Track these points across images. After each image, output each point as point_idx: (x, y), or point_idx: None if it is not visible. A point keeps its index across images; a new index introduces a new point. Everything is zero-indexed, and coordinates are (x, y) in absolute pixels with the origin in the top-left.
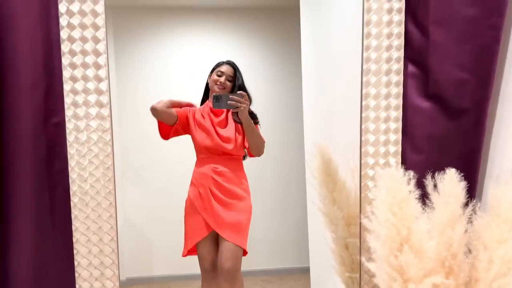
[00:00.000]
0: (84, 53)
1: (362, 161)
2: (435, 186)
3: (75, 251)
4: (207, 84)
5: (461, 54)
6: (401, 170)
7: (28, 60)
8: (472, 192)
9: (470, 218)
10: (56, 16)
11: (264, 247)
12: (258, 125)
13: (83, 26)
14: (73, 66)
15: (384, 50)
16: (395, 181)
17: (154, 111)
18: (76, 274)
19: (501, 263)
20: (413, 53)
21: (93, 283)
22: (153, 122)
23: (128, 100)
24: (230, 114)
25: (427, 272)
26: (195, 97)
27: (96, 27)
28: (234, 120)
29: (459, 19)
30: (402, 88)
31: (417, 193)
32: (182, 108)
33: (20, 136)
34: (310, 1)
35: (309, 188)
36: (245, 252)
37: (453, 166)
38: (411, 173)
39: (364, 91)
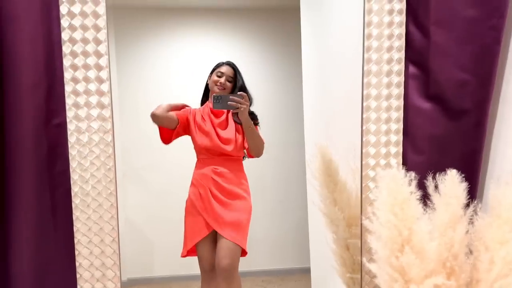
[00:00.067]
0: (85, 54)
1: (363, 162)
2: (436, 187)
3: (76, 252)
4: (206, 84)
5: (462, 55)
6: (402, 171)
7: (29, 62)
8: (473, 193)
9: (471, 219)
10: (57, 17)
11: (264, 247)
12: (257, 126)
13: (84, 28)
14: (74, 67)
15: (385, 51)
16: (396, 182)
17: (155, 117)
18: (78, 275)
19: (502, 264)
20: (414, 54)
21: (94, 284)
22: (153, 123)
23: (129, 101)
24: (230, 114)
25: (428, 273)
26: (196, 98)
27: (97, 29)
28: (234, 121)
29: (460, 20)
30: (403, 89)
31: (418, 194)
32: (182, 110)
33: (21, 137)
34: (310, 1)
35: (309, 188)
36: (245, 253)
37: (454, 167)
38: (412, 174)
39: (365, 92)
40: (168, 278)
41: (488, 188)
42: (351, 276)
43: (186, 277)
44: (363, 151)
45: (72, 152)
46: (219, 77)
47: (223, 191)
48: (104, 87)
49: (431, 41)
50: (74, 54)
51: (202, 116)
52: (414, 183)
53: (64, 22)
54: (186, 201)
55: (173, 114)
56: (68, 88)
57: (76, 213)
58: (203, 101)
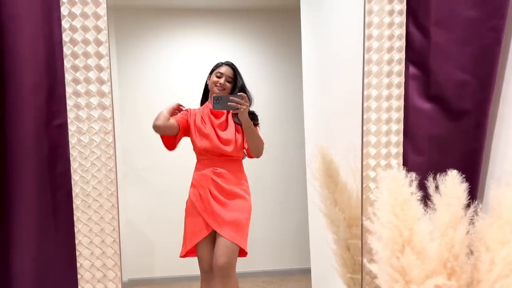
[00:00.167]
0: (86, 55)
1: (364, 163)
2: (436, 187)
3: (77, 253)
4: (206, 85)
5: (462, 56)
6: (403, 171)
7: (30, 62)
8: (473, 193)
9: (471, 219)
10: (58, 18)
11: (264, 248)
12: (257, 127)
13: (85, 29)
14: (75, 68)
15: (385, 51)
16: (397, 183)
17: (157, 128)
18: (79, 276)
19: (503, 264)
20: (414, 55)
21: (95, 284)
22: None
23: (130, 102)
24: (230, 115)
25: (429, 273)
26: (197, 98)
27: (98, 30)
28: (234, 122)
29: (460, 21)
30: (403, 90)
31: (419, 194)
32: (180, 114)
33: (22, 137)
34: (310, 2)
35: (310, 189)
36: (245, 253)
37: (454, 168)
38: (413, 174)
39: (365, 92)
40: (169, 278)
41: (488, 188)
42: (352, 277)
43: (187, 277)
44: (364, 151)
45: (73, 153)
46: (219, 77)
47: (223, 191)
48: (105, 88)
49: (432, 42)
50: (75, 55)
51: (202, 117)
52: (415, 183)
53: (65, 23)
54: (186, 201)
55: (174, 121)
56: (69, 89)
57: (77, 214)
58: (202, 102)
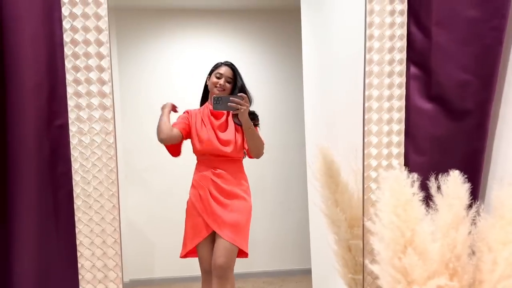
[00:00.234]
0: (87, 56)
1: (365, 163)
2: (438, 187)
3: (78, 253)
4: (205, 85)
5: (463, 56)
6: (405, 172)
7: (31, 63)
8: (475, 193)
9: (473, 219)
10: (59, 19)
11: (265, 248)
12: (258, 127)
13: (86, 29)
14: (76, 69)
15: (386, 52)
16: (399, 183)
17: (163, 141)
18: (80, 276)
19: (506, 265)
20: (416, 55)
21: (96, 285)
22: (155, 124)
23: (130, 102)
24: (230, 116)
25: (431, 274)
26: (197, 99)
27: (99, 30)
28: (234, 122)
29: (462, 21)
30: (404, 90)
31: (421, 195)
32: (181, 118)
33: (23, 138)
34: (311, 2)
35: (310, 189)
36: (246, 254)
37: (456, 168)
38: (415, 175)
39: (366, 93)
40: (169, 279)
41: (490, 188)
42: (353, 277)
43: (187, 278)
44: (365, 152)
45: (74, 153)
46: (218, 78)
47: (223, 192)
48: (106, 88)
49: (433, 42)
50: (76, 56)
51: (202, 118)
52: (417, 184)
53: (66, 24)
54: (187, 202)
55: (177, 131)
56: (70, 89)
57: (78, 215)
58: (202, 102)
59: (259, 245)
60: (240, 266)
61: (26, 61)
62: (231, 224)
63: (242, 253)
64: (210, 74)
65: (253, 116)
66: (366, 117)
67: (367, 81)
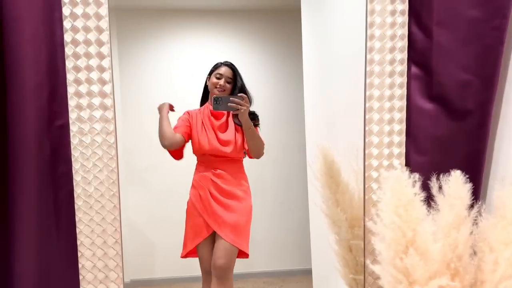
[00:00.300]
0: (88, 56)
1: (366, 163)
2: (440, 188)
3: (79, 254)
4: (205, 86)
5: (464, 56)
6: (406, 172)
7: (32, 63)
8: (476, 193)
9: (475, 220)
10: (60, 19)
11: (265, 249)
12: (258, 127)
13: (86, 29)
14: (77, 69)
15: (387, 52)
16: (400, 183)
17: (167, 148)
18: (81, 277)
19: (507, 265)
20: (417, 55)
21: (97, 285)
22: (155, 124)
23: (131, 102)
24: (230, 116)
25: (433, 274)
26: (198, 99)
27: (99, 30)
28: (234, 122)
29: (463, 21)
30: (405, 90)
31: (422, 195)
32: (182, 121)
33: (24, 138)
34: (311, 2)
35: (311, 189)
36: (246, 255)
37: (457, 168)
38: (416, 175)
39: (367, 93)
40: (169, 279)
41: (492, 189)
42: (354, 278)
43: (188, 278)
44: (366, 152)
45: (75, 153)
46: (218, 79)
47: (223, 192)
48: (107, 88)
49: (434, 42)
50: (76, 56)
51: (202, 119)
52: (418, 184)
53: (67, 24)
54: (187, 202)
55: (179, 135)
56: (70, 89)
57: (78, 215)
58: (202, 103)
59: (259, 245)
60: (240, 266)
61: (26, 61)
62: (231, 225)
63: (242, 254)
64: (210, 74)
65: (253, 116)
66: (367, 117)
67: (368, 81)
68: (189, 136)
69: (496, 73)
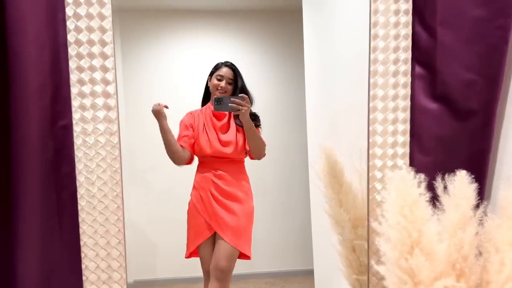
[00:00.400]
0: (91, 56)
1: (370, 163)
2: (445, 187)
3: (82, 254)
4: (207, 87)
5: (469, 55)
6: (411, 172)
7: (35, 63)
8: (481, 193)
9: (481, 220)
10: (63, 19)
11: (267, 249)
12: (259, 128)
13: (90, 29)
14: (80, 69)
15: (391, 51)
16: (405, 184)
17: (179, 165)
18: (84, 278)
19: None
20: (421, 54)
21: (100, 286)
22: (157, 126)
23: (132, 102)
24: (232, 117)
25: (438, 275)
26: (200, 99)
27: (103, 30)
28: (236, 123)
29: (467, 20)
30: (409, 90)
31: (427, 195)
32: (186, 130)
33: (27, 138)
34: (312, 2)
35: (312, 189)
36: (248, 256)
37: (462, 168)
38: (421, 175)
39: (371, 92)
40: (171, 280)
41: (497, 188)
42: (358, 278)
43: (189, 279)
44: (370, 152)
45: (78, 154)
46: (219, 80)
47: (224, 193)
48: (110, 89)
49: (438, 41)
50: (80, 56)
51: (204, 120)
52: (424, 184)
53: (70, 24)
54: (188, 203)
55: (188, 152)
56: (74, 90)
57: (82, 215)
58: (203, 103)
59: (261, 246)
60: (242, 267)
61: (30, 62)
62: (233, 227)
63: (244, 255)
64: (210, 75)
65: (254, 117)
66: (371, 117)
67: (372, 80)
68: (192, 146)
69: (501, 72)
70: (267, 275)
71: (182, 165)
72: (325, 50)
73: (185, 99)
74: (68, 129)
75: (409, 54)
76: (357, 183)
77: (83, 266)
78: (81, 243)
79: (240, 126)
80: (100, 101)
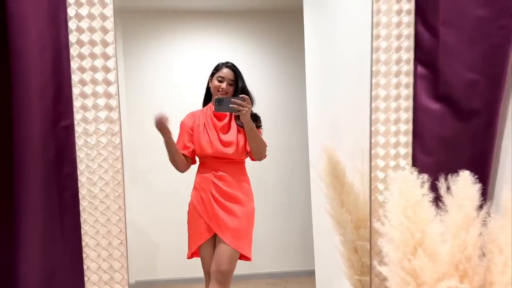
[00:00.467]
0: (93, 56)
1: (372, 163)
2: (448, 188)
3: (84, 255)
4: (208, 87)
5: (471, 55)
6: (414, 173)
7: (37, 63)
8: (484, 194)
9: (484, 220)
10: (65, 20)
11: (268, 250)
12: (260, 129)
13: (92, 30)
14: (82, 69)
15: (393, 51)
16: (408, 184)
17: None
18: (86, 278)
19: None
20: (423, 55)
21: (102, 286)
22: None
23: (133, 103)
24: (233, 117)
25: (441, 276)
26: (201, 99)
27: (105, 31)
28: (237, 124)
29: (469, 20)
30: (412, 90)
31: (430, 196)
32: (184, 136)
33: (29, 138)
34: (313, 3)
35: (314, 190)
36: (248, 258)
37: (464, 168)
38: (424, 176)
39: (373, 93)
40: (172, 280)
41: (500, 189)
42: (360, 279)
43: (190, 279)
44: (372, 152)
45: (80, 154)
46: (220, 82)
47: (224, 194)
48: (112, 89)
49: (440, 41)
50: (81, 56)
51: (205, 120)
52: (427, 185)
53: (72, 25)
54: (189, 204)
55: (190, 160)
56: (75, 90)
57: (83, 216)
58: (205, 103)
59: (262, 247)
60: (243, 267)
61: (32, 62)
62: (234, 229)
63: (245, 256)
64: (211, 76)
65: (255, 118)
66: (373, 117)
67: (374, 80)
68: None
69: (504, 72)
70: (268, 275)
71: (185, 171)
72: (326, 50)
73: (185, 99)
74: (70, 129)
75: (411, 54)
76: (359, 183)
77: (84, 267)
78: (83, 243)
79: (241, 127)
80: (101, 101)
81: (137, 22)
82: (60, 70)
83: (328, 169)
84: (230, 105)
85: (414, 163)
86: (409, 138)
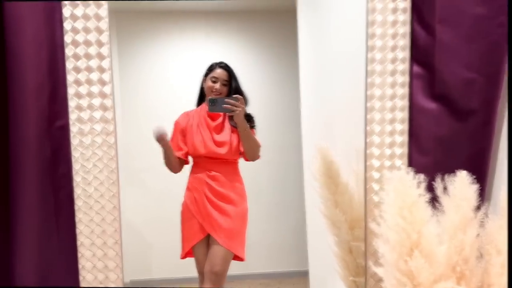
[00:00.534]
0: (88, 56)
1: (367, 164)
2: (444, 188)
3: (79, 254)
4: (201, 87)
5: (468, 54)
6: (410, 173)
7: (33, 64)
8: (482, 194)
9: (481, 221)
10: (60, 20)
11: (261, 250)
12: (254, 129)
13: (87, 30)
14: (77, 69)
15: (389, 50)
16: (404, 184)
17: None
18: (80, 278)
19: None
20: (419, 53)
21: (97, 286)
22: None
23: (128, 103)
24: (227, 117)
25: (438, 277)
26: (195, 99)
27: (99, 31)
28: (230, 124)
29: (467, 18)
30: (407, 89)
31: (427, 196)
32: (178, 137)
33: (25, 138)
34: (307, 3)
35: (308, 190)
36: (241, 259)
37: (461, 168)
38: (421, 176)
39: (368, 92)
40: (167, 280)
41: (498, 189)
42: (354, 280)
43: (185, 279)
44: (367, 152)
45: (75, 154)
46: (214, 82)
47: (218, 195)
48: (107, 89)
49: (437, 40)
50: (76, 57)
51: (198, 120)
52: (423, 185)
53: (67, 25)
54: (182, 204)
55: (183, 161)
56: (70, 90)
57: (78, 215)
58: (198, 103)
59: (255, 247)
60: (236, 268)
61: (28, 62)
62: (227, 229)
63: (238, 256)
64: (205, 76)
65: (249, 118)
66: (368, 116)
67: (369, 80)
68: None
69: (502, 70)
70: (262, 276)
71: (179, 172)
72: (320, 49)
73: (180, 100)
74: (65, 129)
75: (407, 53)
76: (353, 183)
77: (80, 266)
78: (78, 243)
79: (234, 127)
80: (96, 101)
81: (132, 23)
82: (55, 70)
83: (322, 169)
84: (224, 105)
85: (410, 163)
86: (405, 137)
